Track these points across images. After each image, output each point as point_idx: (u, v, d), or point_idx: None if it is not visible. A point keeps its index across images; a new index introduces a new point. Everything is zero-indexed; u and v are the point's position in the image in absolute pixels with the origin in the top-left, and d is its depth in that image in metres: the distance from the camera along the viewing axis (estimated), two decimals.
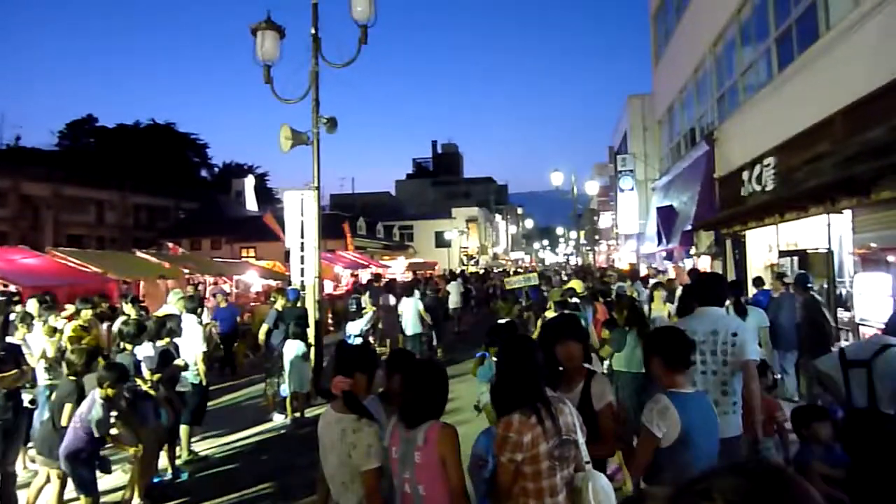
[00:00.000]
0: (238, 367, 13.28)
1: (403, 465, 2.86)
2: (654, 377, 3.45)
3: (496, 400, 2.99)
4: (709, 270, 15.80)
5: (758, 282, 10.20)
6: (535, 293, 14.69)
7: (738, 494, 0.87)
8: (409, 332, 12.71)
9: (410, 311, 12.77)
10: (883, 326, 4.53)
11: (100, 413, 5.20)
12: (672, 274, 17.09)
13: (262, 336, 9.66)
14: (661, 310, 9.56)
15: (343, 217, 37.76)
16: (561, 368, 3.53)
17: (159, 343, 6.75)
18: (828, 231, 9.44)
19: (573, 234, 67.51)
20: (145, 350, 6.53)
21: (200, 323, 8.24)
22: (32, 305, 8.11)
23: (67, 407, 5.35)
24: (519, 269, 40.63)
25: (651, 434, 3.15)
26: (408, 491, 2.83)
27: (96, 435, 5.21)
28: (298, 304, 9.95)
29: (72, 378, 5.58)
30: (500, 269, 39.59)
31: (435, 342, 14.53)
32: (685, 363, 3.37)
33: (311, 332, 9.66)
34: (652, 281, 14.22)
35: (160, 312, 8.87)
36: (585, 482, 2.73)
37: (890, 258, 7.67)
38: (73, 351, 5.91)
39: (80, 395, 5.50)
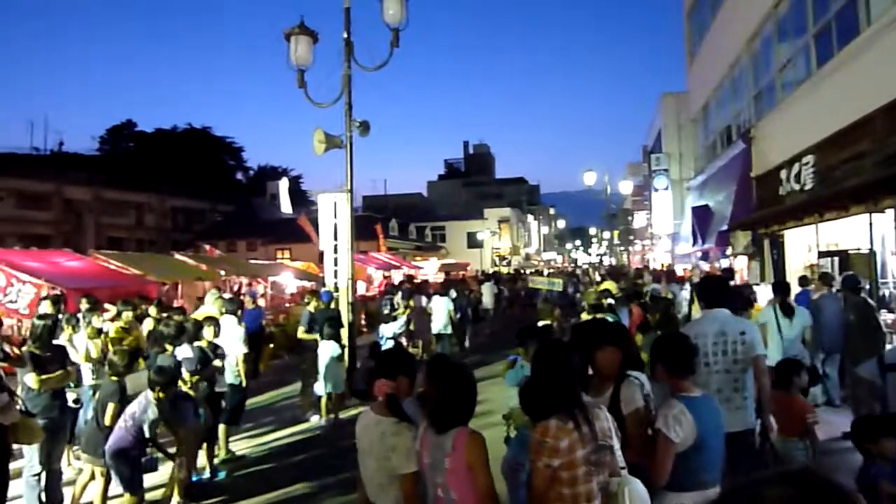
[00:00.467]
0: (261, 369, 13.22)
1: (434, 470, 2.86)
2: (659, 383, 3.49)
3: (530, 404, 2.96)
4: (746, 270, 15.54)
5: (803, 281, 9.91)
6: (563, 297, 14.66)
7: (787, 503, 0.87)
8: (437, 331, 12.82)
9: (442, 311, 12.87)
10: None
11: (155, 414, 5.36)
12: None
13: (301, 335, 9.78)
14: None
15: (375, 218, 38.01)
16: (591, 373, 3.51)
17: (197, 344, 6.90)
18: (870, 231, 9.21)
19: (606, 235, 66.91)
20: (184, 351, 6.68)
21: (240, 324, 8.39)
22: (83, 306, 8.36)
23: (111, 407, 5.51)
24: (551, 269, 40.43)
25: (669, 440, 3.16)
26: (440, 495, 2.85)
27: (147, 435, 5.37)
28: (332, 306, 10.07)
29: (114, 378, 5.75)
30: (533, 270, 39.40)
31: (467, 342, 14.58)
32: (690, 369, 3.42)
33: (344, 333, 9.76)
34: (694, 280, 13.89)
35: (198, 313, 9.07)
36: (622, 487, 2.72)
37: None
38: (115, 352, 6.09)
39: (122, 395, 5.67)
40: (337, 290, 9.98)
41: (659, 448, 3.17)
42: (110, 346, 7.38)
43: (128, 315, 8.51)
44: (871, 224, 9.14)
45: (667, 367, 3.37)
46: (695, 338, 4.06)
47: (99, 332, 7.89)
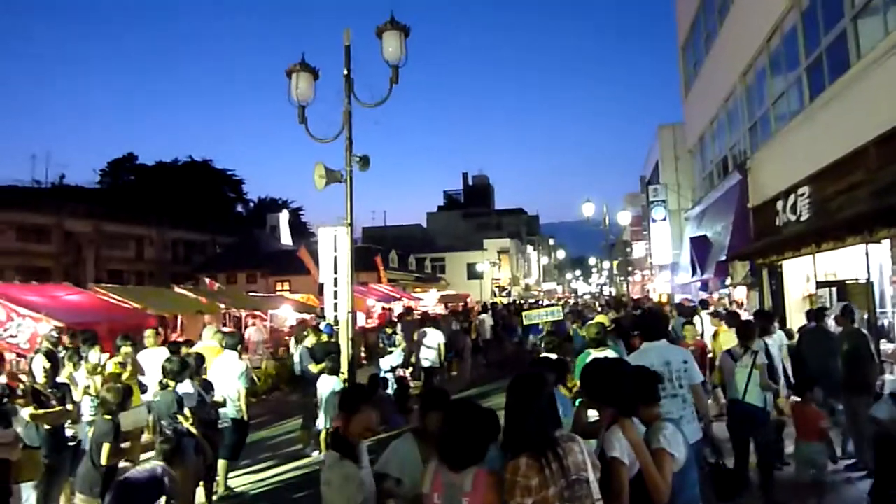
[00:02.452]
0: None
1: None
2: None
3: (504, 440, 2.95)
4: (745, 301, 15.56)
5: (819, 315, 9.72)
6: (563, 328, 13.59)
7: None
8: (430, 364, 12.76)
9: (434, 344, 12.86)
10: None
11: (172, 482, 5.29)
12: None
13: (315, 369, 9.65)
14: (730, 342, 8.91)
15: (375, 250, 38.07)
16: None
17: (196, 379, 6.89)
18: (866, 261, 9.28)
19: (606, 265, 66.93)
20: (186, 387, 6.67)
21: (241, 358, 8.38)
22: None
23: (105, 446, 5.47)
24: (552, 301, 40.36)
25: (672, 457, 3.22)
26: None
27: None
28: (333, 339, 10.07)
29: (107, 417, 5.70)
30: (534, 301, 39.38)
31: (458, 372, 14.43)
32: (657, 396, 3.57)
33: (343, 366, 9.74)
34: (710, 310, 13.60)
35: (196, 349, 9.07)
36: None
37: None
38: (108, 390, 6.05)
39: (116, 433, 5.63)
40: (337, 323, 9.99)
41: (663, 466, 3.18)
42: (100, 384, 7.34)
43: (126, 350, 8.50)
44: (867, 254, 9.21)
45: (639, 399, 3.42)
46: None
47: (97, 366, 7.88)
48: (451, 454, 2.89)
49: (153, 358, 8.50)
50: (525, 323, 14.29)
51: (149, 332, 9.81)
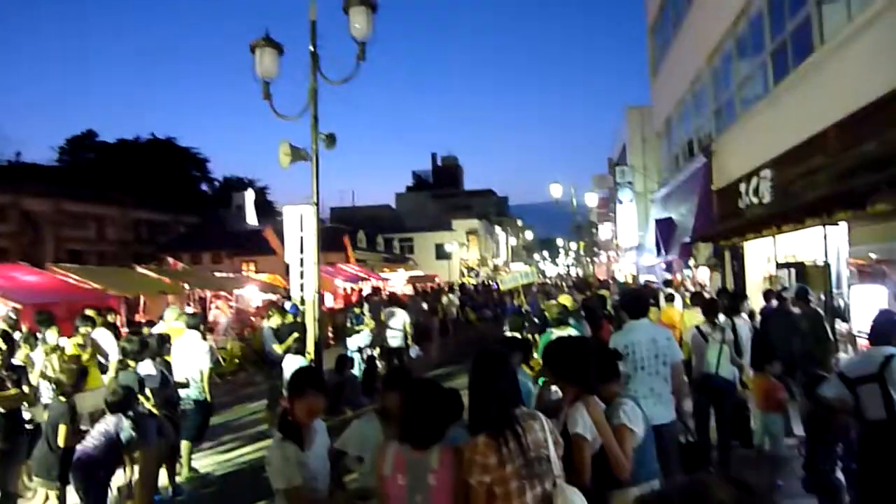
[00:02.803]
0: None
1: (414, 490, 2.78)
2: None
3: (468, 419, 2.96)
4: (708, 281, 15.85)
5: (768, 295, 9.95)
6: (534, 307, 13.60)
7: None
8: (396, 345, 12.72)
9: (399, 325, 12.82)
10: (867, 337, 4.59)
11: (129, 435, 5.25)
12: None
13: (279, 349, 9.55)
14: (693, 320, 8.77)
15: (343, 230, 37.79)
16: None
17: (159, 360, 6.78)
18: (824, 243, 9.49)
19: (573, 246, 67.58)
20: (147, 368, 6.55)
21: (204, 339, 8.26)
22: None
23: (62, 428, 5.37)
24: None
25: (632, 432, 3.30)
26: None
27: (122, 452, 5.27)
28: (298, 320, 9.99)
29: (62, 399, 5.60)
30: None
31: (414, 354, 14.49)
32: (617, 373, 3.68)
33: (309, 347, 9.67)
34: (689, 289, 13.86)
35: (161, 329, 8.92)
36: (555, 496, 2.74)
37: (886, 270, 7.71)
38: (62, 371, 5.93)
39: (73, 415, 5.52)
40: (303, 303, 9.90)
41: (624, 441, 3.25)
42: (56, 364, 7.18)
43: (85, 330, 8.31)
44: (825, 236, 9.42)
45: (600, 377, 3.46)
46: (631, 345, 4.79)
47: (55, 348, 7.70)
48: (415, 434, 2.87)
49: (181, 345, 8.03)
50: (501, 288, 13.96)
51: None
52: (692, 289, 14.20)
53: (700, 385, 6.84)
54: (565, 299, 10.27)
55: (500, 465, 2.66)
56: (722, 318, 7.12)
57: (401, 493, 2.81)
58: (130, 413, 5.43)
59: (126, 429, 5.25)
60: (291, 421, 3.32)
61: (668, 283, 14.47)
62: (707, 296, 10.10)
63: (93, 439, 5.27)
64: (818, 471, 4.76)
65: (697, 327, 7.15)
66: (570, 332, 6.33)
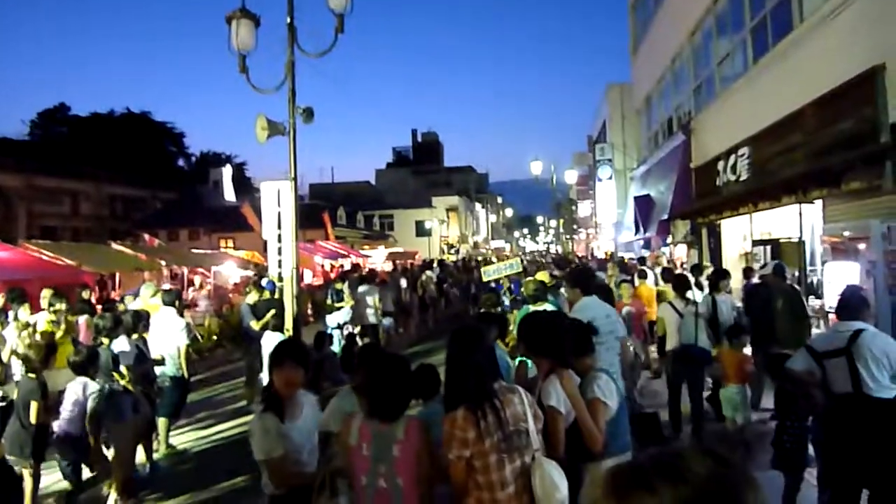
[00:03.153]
0: None
1: (378, 460, 2.84)
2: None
3: (445, 394, 2.99)
4: (685, 258, 16.00)
5: (747, 273, 10.08)
6: (518, 286, 13.77)
7: (709, 475, 0.95)
8: (369, 321, 12.68)
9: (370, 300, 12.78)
10: (835, 312, 4.66)
11: (94, 403, 5.23)
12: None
13: (256, 326, 9.49)
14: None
15: (323, 207, 37.53)
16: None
17: (134, 337, 6.70)
18: (799, 221, 9.61)
19: (553, 223, 67.87)
20: (121, 344, 6.48)
21: (181, 315, 8.18)
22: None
23: (33, 405, 5.32)
24: (502, 258, 40.69)
25: (606, 405, 3.34)
26: (383, 486, 2.83)
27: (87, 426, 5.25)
28: (276, 296, 9.93)
29: (31, 375, 5.54)
30: (481, 259, 39.60)
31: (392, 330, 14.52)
32: (591, 348, 3.74)
33: (288, 323, 9.64)
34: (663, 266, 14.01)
35: (136, 306, 8.81)
36: (533, 470, 2.77)
37: (859, 247, 7.83)
38: (29, 346, 5.85)
39: (43, 392, 5.48)
40: (281, 279, 9.83)
41: (597, 415, 3.29)
42: (25, 341, 7.08)
43: (59, 306, 8.19)
44: (800, 214, 9.53)
45: (574, 351, 3.51)
46: (592, 321, 4.66)
47: (27, 325, 7.58)
48: (381, 407, 2.91)
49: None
50: (484, 279, 13.67)
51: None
52: (665, 265, 14.32)
53: (679, 355, 7.09)
54: (543, 275, 10.29)
55: (480, 439, 2.68)
56: (698, 293, 7.29)
57: (365, 463, 2.86)
58: (99, 379, 5.39)
59: (94, 393, 5.21)
60: (274, 393, 3.35)
61: (642, 261, 14.60)
62: (677, 272, 10.24)
63: (66, 412, 5.24)
64: (785, 448, 4.84)
65: (670, 302, 7.53)
66: (548, 307, 6.35)
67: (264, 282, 10.92)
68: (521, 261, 14.71)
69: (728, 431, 6.51)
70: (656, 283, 11.61)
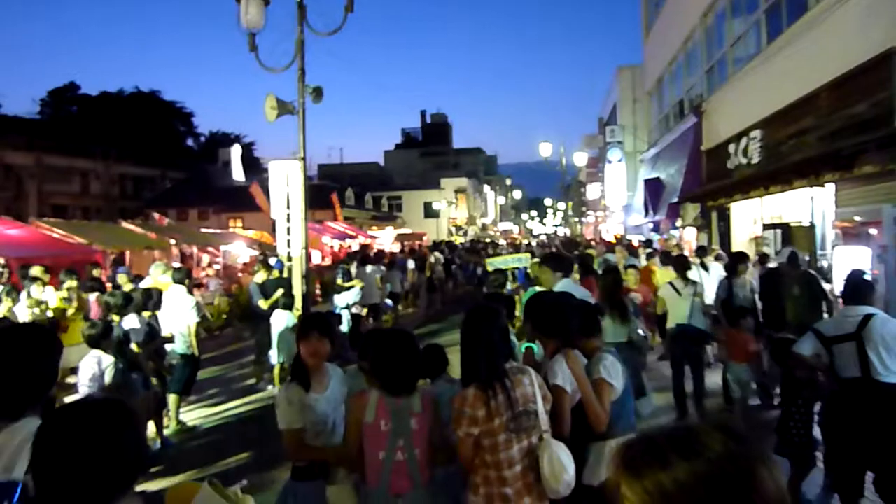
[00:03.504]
0: None
1: (397, 434, 2.89)
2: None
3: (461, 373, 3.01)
4: (694, 241, 15.94)
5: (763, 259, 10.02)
6: (523, 275, 12.71)
7: (723, 449, 0.95)
8: (373, 301, 12.73)
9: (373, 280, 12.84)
10: (841, 296, 4.63)
11: (110, 379, 5.28)
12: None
13: (264, 305, 9.54)
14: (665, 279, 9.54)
15: (331, 187, 37.55)
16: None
17: (144, 315, 6.76)
18: (811, 204, 9.54)
19: (561, 206, 67.63)
20: (131, 322, 6.54)
21: (190, 293, 8.24)
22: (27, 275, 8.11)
23: None
24: (512, 240, 40.64)
25: (611, 386, 3.35)
26: (401, 458, 2.88)
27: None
28: (284, 275, 9.98)
29: None
30: (489, 241, 39.55)
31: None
32: (598, 329, 3.76)
33: (297, 303, 9.69)
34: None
35: (145, 284, 8.88)
36: (541, 450, 2.79)
37: (870, 232, 7.77)
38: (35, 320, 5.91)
39: None
40: (289, 259, 9.86)
41: (602, 395, 3.31)
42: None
43: (71, 283, 8.26)
44: (812, 198, 9.46)
45: (581, 332, 3.54)
46: None
47: (39, 302, 7.66)
48: (395, 382, 2.95)
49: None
50: (488, 268, 13.41)
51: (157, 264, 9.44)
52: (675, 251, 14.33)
53: (676, 335, 7.26)
54: None
55: (489, 418, 2.71)
56: (704, 275, 7.37)
57: (384, 439, 2.90)
58: (112, 352, 5.44)
59: (110, 366, 5.26)
60: (300, 364, 3.43)
61: (649, 243, 14.61)
62: (675, 253, 10.28)
63: (84, 387, 5.31)
64: (790, 434, 4.84)
65: (670, 282, 7.65)
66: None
67: (273, 261, 10.97)
68: (532, 254, 13.86)
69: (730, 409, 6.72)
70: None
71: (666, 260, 10.35)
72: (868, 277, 4.61)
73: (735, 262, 7.98)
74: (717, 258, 10.40)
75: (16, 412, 1.91)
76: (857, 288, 4.41)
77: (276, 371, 9.00)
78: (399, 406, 2.92)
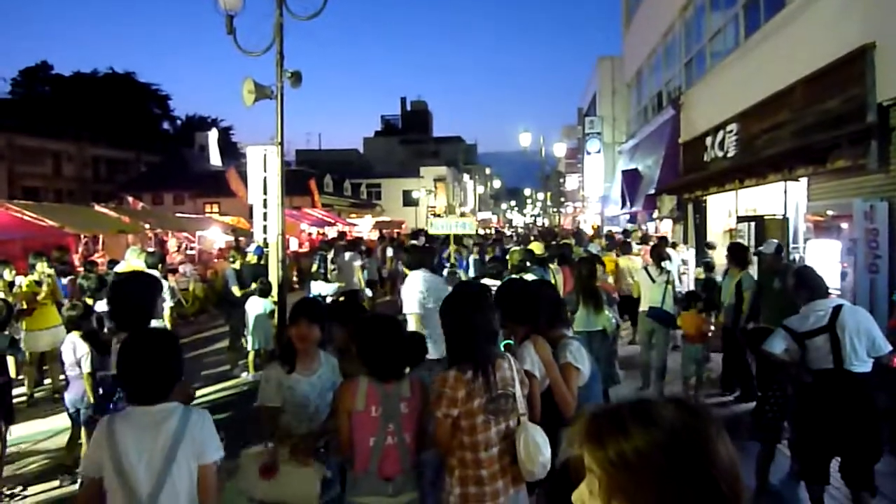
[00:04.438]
0: None
1: (387, 418, 2.92)
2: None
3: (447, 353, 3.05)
4: (671, 233, 16.11)
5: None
6: (502, 252, 12.31)
7: (677, 420, 1.01)
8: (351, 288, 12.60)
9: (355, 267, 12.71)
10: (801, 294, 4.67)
11: (87, 368, 5.24)
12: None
13: (238, 293, 9.47)
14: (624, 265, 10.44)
15: (309, 174, 37.27)
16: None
17: None
18: (784, 198, 9.68)
19: (540, 196, 67.86)
20: (104, 306, 6.45)
21: (165, 277, 8.15)
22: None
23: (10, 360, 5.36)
24: (486, 230, 40.71)
25: (578, 370, 3.36)
26: (390, 443, 2.92)
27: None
28: (262, 262, 9.92)
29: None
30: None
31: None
32: (564, 319, 3.78)
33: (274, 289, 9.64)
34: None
35: (119, 268, 8.76)
36: (518, 434, 2.83)
37: (841, 225, 7.91)
38: None
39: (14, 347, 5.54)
40: (266, 245, 9.79)
41: (570, 379, 3.32)
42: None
43: (42, 267, 8.12)
44: (785, 191, 9.60)
45: (546, 322, 3.54)
46: (427, 290, 4.64)
47: (11, 285, 7.52)
48: (383, 367, 2.99)
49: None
50: (431, 232, 12.15)
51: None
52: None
53: (647, 316, 7.88)
54: (536, 246, 10.36)
55: (469, 399, 2.74)
56: (667, 263, 8.15)
57: (374, 425, 2.93)
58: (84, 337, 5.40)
59: (86, 355, 5.22)
60: (288, 346, 3.56)
61: (626, 233, 14.74)
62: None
63: (71, 375, 5.29)
64: (767, 418, 4.94)
65: (645, 268, 8.29)
66: (531, 277, 6.41)
67: (252, 247, 10.89)
68: (475, 224, 13.24)
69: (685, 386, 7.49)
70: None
71: (625, 249, 11.27)
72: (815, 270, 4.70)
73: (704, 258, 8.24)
74: (709, 247, 11.56)
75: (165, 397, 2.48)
76: (817, 281, 4.49)
77: (251, 357, 8.96)
78: (389, 391, 2.95)
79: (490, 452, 2.78)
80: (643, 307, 8.02)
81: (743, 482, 1.00)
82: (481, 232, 36.07)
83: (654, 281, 7.86)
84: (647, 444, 0.98)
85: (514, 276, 6.67)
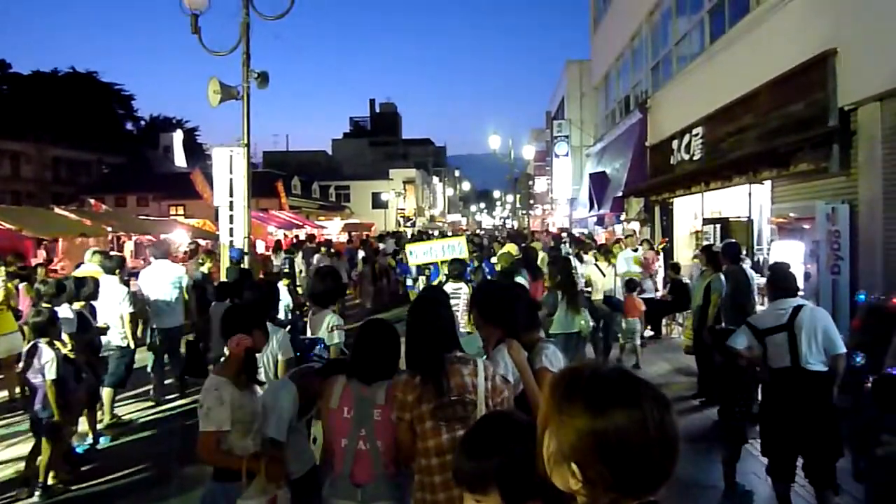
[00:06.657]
0: None
1: (359, 423, 2.89)
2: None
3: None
4: (638, 235, 16.27)
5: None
6: (489, 265, 10.25)
7: (619, 380, 1.21)
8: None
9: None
10: (768, 289, 4.77)
11: (52, 375, 5.09)
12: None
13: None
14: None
15: (277, 175, 36.89)
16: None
17: (76, 305, 6.47)
18: (749, 200, 9.84)
19: (510, 198, 68.19)
20: (64, 311, 6.25)
21: (125, 283, 7.93)
22: None
23: None
24: (458, 231, 40.72)
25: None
26: (363, 447, 2.88)
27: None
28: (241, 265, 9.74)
29: None
30: (438, 233, 39.53)
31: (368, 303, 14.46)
32: (538, 323, 3.77)
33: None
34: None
35: (79, 272, 8.50)
36: None
37: (804, 227, 8.06)
38: None
39: None
40: (246, 252, 9.61)
41: (544, 384, 3.26)
42: None
43: None
44: (750, 194, 9.76)
45: (520, 325, 3.50)
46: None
47: None
48: (363, 370, 2.96)
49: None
50: (411, 263, 9.95)
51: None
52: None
53: (602, 301, 9.33)
54: (511, 248, 10.40)
55: (417, 404, 2.74)
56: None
57: (346, 426, 2.90)
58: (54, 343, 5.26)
59: (51, 361, 5.08)
60: (251, 356, 3.42)
61: (591, 237, 15.05)
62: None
63: (36, 381, 5.15)
64: (734, 420, 4.99)
65: (595, 264, 9.89)
66: (522, 281, 6.40)
67: (226, 251, 10.70)
68: (469, 240, 11.29)
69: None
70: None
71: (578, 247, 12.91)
72: (791, 269, 4.77)
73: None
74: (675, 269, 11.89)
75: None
76: (786, 280, 4.57)
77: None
78: (364, 395, 2.93)
79: (442, 459, 2.71)
80: (597, 296, 9.45)
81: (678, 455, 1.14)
82: (450, 234, 36.10)
83: (604, 275, 9.61)
84: (624, 420, 1.12)
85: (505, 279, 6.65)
